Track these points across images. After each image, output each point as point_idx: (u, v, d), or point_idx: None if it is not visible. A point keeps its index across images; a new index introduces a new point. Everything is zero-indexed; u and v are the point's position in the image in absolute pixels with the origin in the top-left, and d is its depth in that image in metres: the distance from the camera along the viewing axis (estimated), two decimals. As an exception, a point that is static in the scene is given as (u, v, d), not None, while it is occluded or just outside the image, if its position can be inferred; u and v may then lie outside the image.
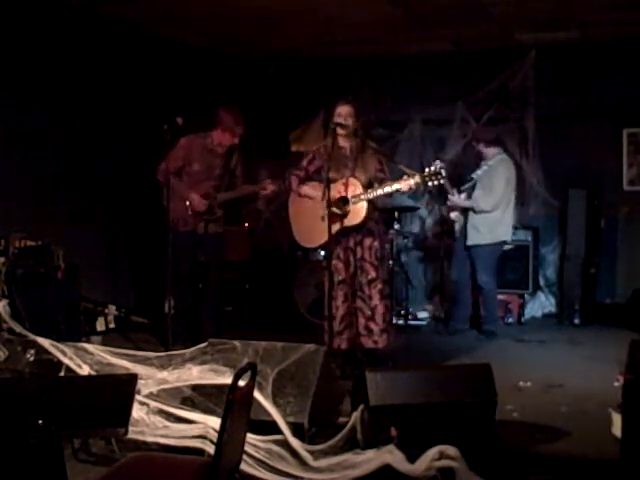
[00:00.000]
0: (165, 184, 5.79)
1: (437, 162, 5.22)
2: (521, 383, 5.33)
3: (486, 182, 6.93)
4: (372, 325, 5.39)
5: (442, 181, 5.23)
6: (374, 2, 6.43)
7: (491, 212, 6.87)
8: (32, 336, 4.51)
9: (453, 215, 7.16)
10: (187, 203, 5.96)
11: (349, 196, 5.30)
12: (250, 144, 8.58)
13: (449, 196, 7.13)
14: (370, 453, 3.66)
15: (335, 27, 7.30)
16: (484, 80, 7.96)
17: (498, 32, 7.46)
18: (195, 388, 4.08)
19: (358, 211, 5.30)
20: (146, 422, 3.82)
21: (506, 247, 7.15)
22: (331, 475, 3.59)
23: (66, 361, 4.19)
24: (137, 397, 3.84)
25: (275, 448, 3.72)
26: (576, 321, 7.59)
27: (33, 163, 6.28)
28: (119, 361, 4.25)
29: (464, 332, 7.12)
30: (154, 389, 4.05)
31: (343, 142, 5.46)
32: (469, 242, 7.00)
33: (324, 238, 5.15)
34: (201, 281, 6.33)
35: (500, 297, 7.43)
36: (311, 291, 7.34)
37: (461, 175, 7.77)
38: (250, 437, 3.57)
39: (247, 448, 3.48)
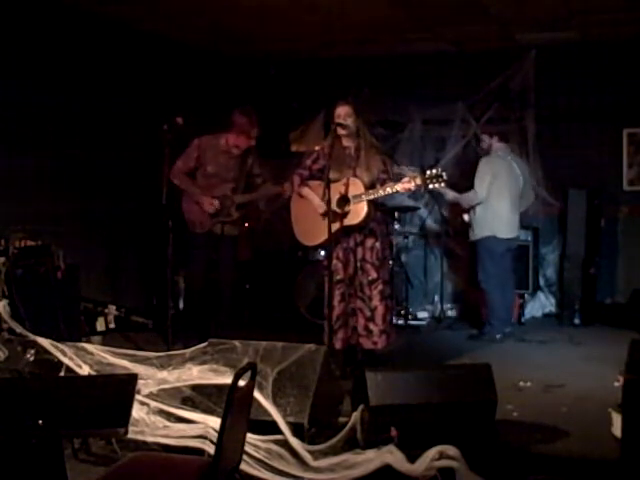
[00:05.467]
0: (178, 185, 5.85)
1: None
2: (521, 383, 5.34)
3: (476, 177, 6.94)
4: (372, 326, 5.40)
5: (449, 194, 5.24)
6: (374, 2, 6.43)
7: (478, 206, 6.87)
8: (32, 336, 4.50)
9: (466, 217, 7.18)
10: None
11: (350, 195, 5.31)
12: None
13: (446, 197, 7.17)
14: (370, 453, 3.66)
15: (335, 27, 7.30)
16: (484, 80, 7.95)
17: (498, 32, 7.46)
18: (195, 388, 4.08)
19: (358, 211, 5.31)
20: (146, 422, 3.82)
21: (508, 246, 7.01)
22: (331, 475, 3.59)
23: (66, 361, 4.19)
24: (137, 397, 3.84)
25: (275, 448, 3.72)
26: (576, 321, 7.59)
27: (33, 163, 6.28)
28: (119, 361, 4.25)
29: (502, 341, 6.83)
30: (154, 389, 4.05)
31: (346, 142, 5.46)
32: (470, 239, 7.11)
33: (324, 236, 5.16)
34: (214, 282, 6.33)
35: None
36: (311, 291, 7.34)
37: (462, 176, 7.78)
38: (250, 437, 3.57)
39: (247, 448, 3.48)
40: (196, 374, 4.11)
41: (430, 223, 8.36)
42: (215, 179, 6.05)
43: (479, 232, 6.93)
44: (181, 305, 6.60)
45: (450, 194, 7.02)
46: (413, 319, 7.88)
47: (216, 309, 6.26)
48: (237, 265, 6.57)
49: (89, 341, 5.45)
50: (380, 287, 5.42)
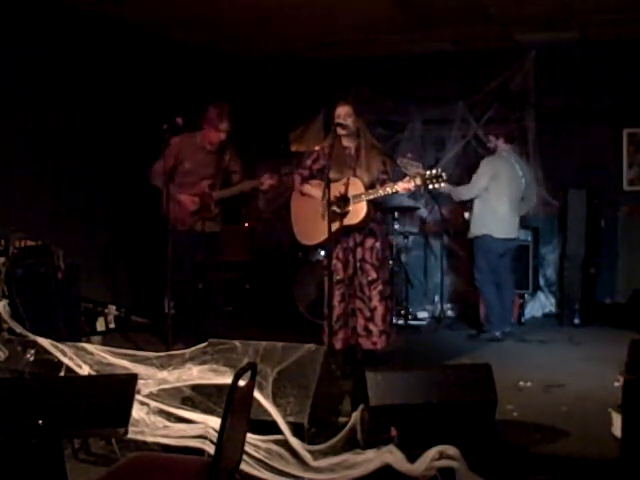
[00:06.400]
0: (160, 186, 5.82)
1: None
2: (521, 383, 5.34)
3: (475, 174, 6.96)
4: (371, 326, 5.40)
5: (442, 184, 5.26)
6: (374, 2, 6.43)
7: (477, 204, 6.89)
8: (32, 336, 4.50)
9: (466, 215, 7.18)
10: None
11: (350, 195, 5.31)
12: (250, 143, 8.63)
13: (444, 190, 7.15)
14: (370, 453, 3.66)
15: (335, 27, 7.30)
16: (484, 80, 7.95)
17: (498, 32, 7.46)
18: (195, 388, 4.07)
19: (358, 211, 5.31)
20: (146, 422, 3.82)
21: (506, 246, 7.02)
22: (331, 475, 3.59)
23: (66, 361, 4.18)
24: (137, 397, 3.84)
25: (275, 448, 3.72)
26: (576, 321, 7.59)
27: (33, 163, 6.28)
28: (119, 361, 4.24)
29: (502, 341, 6.82)
30: (154, 389, 4.05)
31: (347, 142, 5.46)
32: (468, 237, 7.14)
33: (324, 236, 5.16)
34: (201, 281, 6.31)
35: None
36: (311, 291, 7.33)
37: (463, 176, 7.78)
38: (250, 437, 3.57)
39: (247, 448, 3.48)
40: (196, 374, 4.11)
41: (430, 223, 8.35)
42: (193, 176, 6.04)
43: (476, 230, 6.96)
44: (167, 309, 6.55)
45: (446, 187, 7.00)
46: (413, 319, 7.88)
47: (206, 311, 6.24)
48: (221, 264, 6.54)
49: (89, 341, 5.45)
50: (380, 287, 5.42)
